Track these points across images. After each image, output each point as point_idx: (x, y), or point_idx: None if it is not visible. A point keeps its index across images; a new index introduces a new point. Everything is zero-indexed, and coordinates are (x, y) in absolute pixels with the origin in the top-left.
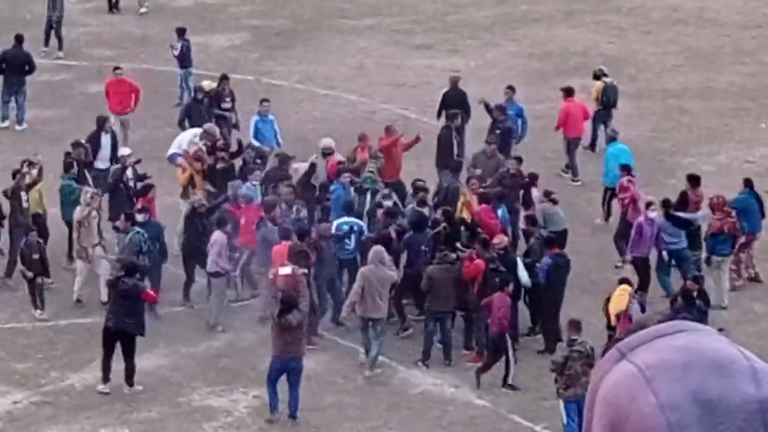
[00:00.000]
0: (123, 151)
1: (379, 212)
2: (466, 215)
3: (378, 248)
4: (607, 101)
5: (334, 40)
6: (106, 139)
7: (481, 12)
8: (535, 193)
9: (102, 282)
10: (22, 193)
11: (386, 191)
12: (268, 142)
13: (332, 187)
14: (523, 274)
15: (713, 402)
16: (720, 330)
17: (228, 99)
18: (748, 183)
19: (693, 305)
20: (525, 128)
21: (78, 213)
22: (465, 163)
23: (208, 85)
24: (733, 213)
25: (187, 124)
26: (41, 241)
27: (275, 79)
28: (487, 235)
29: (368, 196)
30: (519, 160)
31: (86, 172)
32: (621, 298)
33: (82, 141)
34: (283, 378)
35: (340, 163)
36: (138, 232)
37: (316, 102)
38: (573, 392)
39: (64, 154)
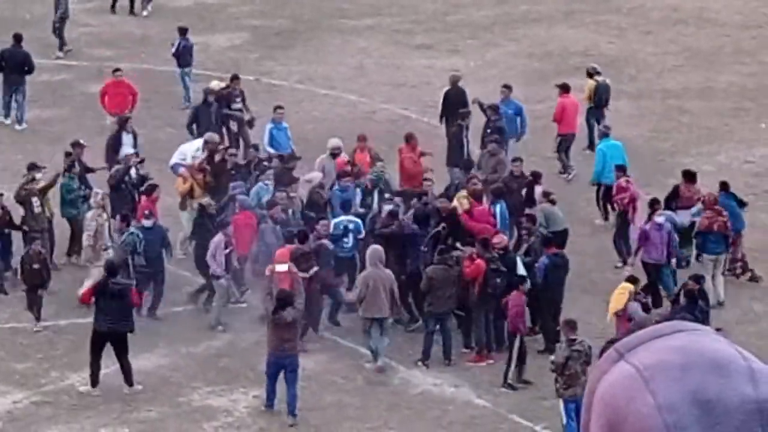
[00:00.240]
0: (125, 151)
1: (383, 211)
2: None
3: (376, 248)
4: (599, 100)
5: (334, 40)
6: (127, 139)
7: (481, 12)
8: (539, 190)
9: None
10: (34, 198)
11: (388, 196)
12: (283, 149)
13: (333, 188)
14: (522, 274)
15: (711, 402)
16: (718, 330)
17: (238, 99)
18: (724, 186)
19: (695, 305)
20: (524, 126)
21: (90, 216)
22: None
23: (217, 85)
24: (724, 212)
25: (194, 127)
26: (43, 251)
27: (275, 79)
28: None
29: (375, 195)
30: (519, 160)
31: (86, 172)
32: (621, 296)
33: (81, 141)
34: (281, 377)
35: (348, 162)
36: (132, 233)
37: (316, 102)
38: (573, 392)
39: (65, 154)
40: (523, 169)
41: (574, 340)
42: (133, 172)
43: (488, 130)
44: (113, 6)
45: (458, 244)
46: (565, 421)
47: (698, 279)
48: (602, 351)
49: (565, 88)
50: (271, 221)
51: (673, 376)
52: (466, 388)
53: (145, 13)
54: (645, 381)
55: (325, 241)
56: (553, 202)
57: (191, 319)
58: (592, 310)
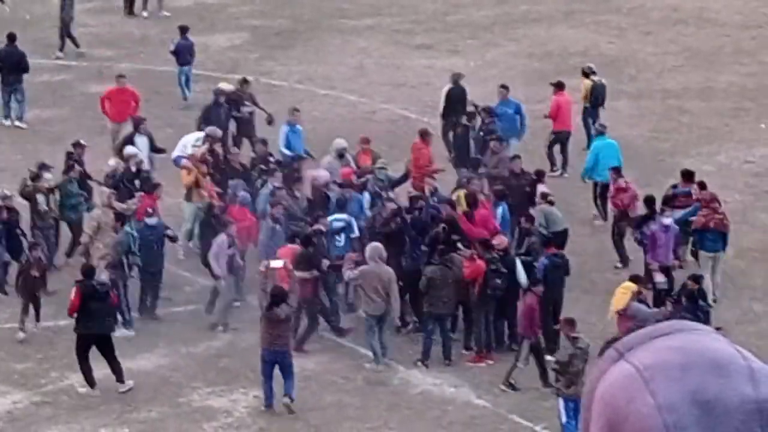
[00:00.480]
0: (131, 150)
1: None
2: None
3: (376, 245)
4: (596, 100)
5: (334, 40)
6: (141, 141)
7: (481, 12)
8: (543, 189)
9: None
10: (39, 196)
11: (391, 194)
12: (298, 151)
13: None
14: (521, 275)
15: (711, 403)
16: (718, 329)
17: (248, 103)
18: (703, 186)
19: (696, 305)
20: (524, 125)
21: (96, 215)
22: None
23: (227, 86)
24: (720, 209)
25: (203, 127)
26: (43, 259)
27: (275, 80)
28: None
29: (383, 194)
30: (518, 158)
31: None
32: (623, 296)
33: (82, 141)
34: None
35: (354, 172)
36: (128, 233)
37: (316, 102)
38: (574, 390)
39: (66, 154)
40: (522, 167)
41: (577, 338)
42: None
43: (481, 132)
44: (130, 8)
45: (459, 246)
46: (564, 419)
47: (698, 279)
48: (602, 350)
49: (559, 86)
50: (271, 220)
51: (673, 376)
52: (466, 389)
53: (163, 13)
54: (645, 381)
55: (321, 226)
56: (551, 203)
57: (191, 319)
58: (593, 310)
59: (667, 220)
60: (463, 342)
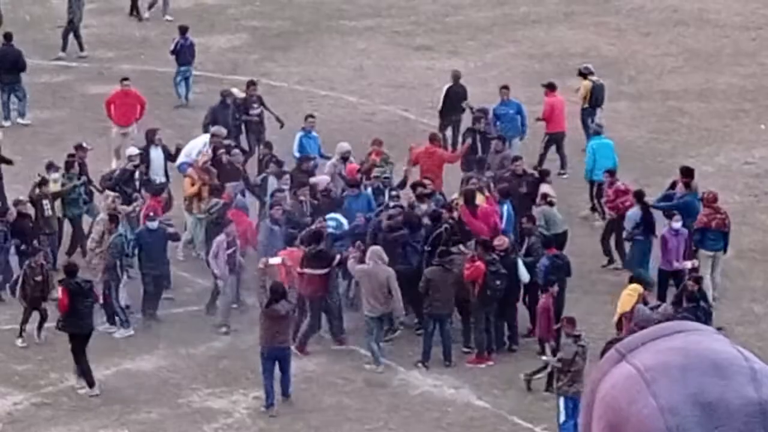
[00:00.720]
0: (131, 151)
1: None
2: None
3: (377, 248)
4: (596, 101)
5: (334, 42)
6: (156, 152)
7: (481, 13)
8: (547, 189)
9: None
10: (45, 201)
11: (395, 193)
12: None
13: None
14: (524, 273)
15: (712, 404)
16: (719, 329)
17: (256, 105)
18: (687, 184)
19: (697, 306)
20: (525, 126)
21: (102, 220)
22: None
23: (238, 92)
24: (723, 209)
25: (211, 128)
26: (46, 264)
27: (275, 81)
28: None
29: (387, 193)
30: (519, 159)
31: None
32: (629, 298)
33: (84, 144)
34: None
35: (359, 170)
36: (120, 235)
37: (315, 103)
38: (576, 389)
39: (67, 156)
40: (524, 168)
41: (578, 336)
42: (136, 174)
43: (467, 134)
44: (132, 8)
45: (461, 247)
46: (562, 419)
47: (698, 279)
48: (603, 351)
49: (551, 87)
50: (269, 221)
51: (674, 377)
52: (466, 390)
53: (166, 17)
54: (647, 383)
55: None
56: (551, 204)
57: (191, 321)
58: (593, 311)
59: (677, 224)
60: (463, 342)
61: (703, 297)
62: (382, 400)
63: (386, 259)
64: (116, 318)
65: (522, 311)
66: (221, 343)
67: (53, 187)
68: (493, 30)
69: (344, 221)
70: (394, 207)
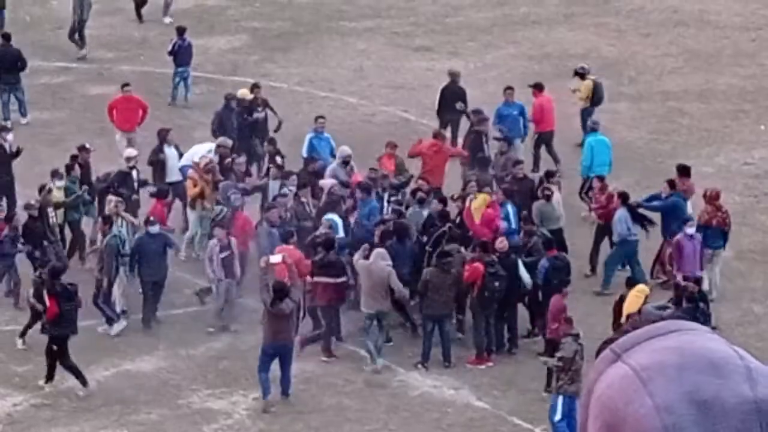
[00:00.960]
0: (130, 152)
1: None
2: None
3: (381, 251)
4: (598, 100)
5: (334, 43)
6: (170, 151)
7: (481, 14)
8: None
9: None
10: (50, 209)
11: (398, 196)
12: (323, 159)
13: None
14: (525, 275)
15: (708, 403)
16: (713, 329)
17: (260, 108)
18: (673, 184)
19: (696, 307)
20: (526, 127)
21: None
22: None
23: (243, 94)
24: (724, 208)
25: (219, 134)
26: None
27: (275, 82)
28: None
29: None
30: (521, 163)
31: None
32: (637, 299)
33: (87, 145)
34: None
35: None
36: (115, 236)
37: (315, 104)
38: (576, 387)
39: (70, 157)
40: (525, 172)
41: (577, 334)
42: (134, 173)
43: (471, 135)
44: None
45: (462, 249)
46: (557, 417)
47: (698, 281)
48: (599, 351)
49: (539, 87)
50: (267, 224)
51: (670, 376)
52: (466, 390)
53: (166, 20)
54: (643, 382)
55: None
56: (548, 198)
57: (191, 321)
58: (593, 311)
59: (691, 230)
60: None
61: (703, 298)
62: (382, 400)
63: (389, 261)
64: (105, 317)
65: (522, 312)
66: (221, 343)
67: (57, 194)
68: (492, 31)
69: (339, 221)
70: (393, 210)
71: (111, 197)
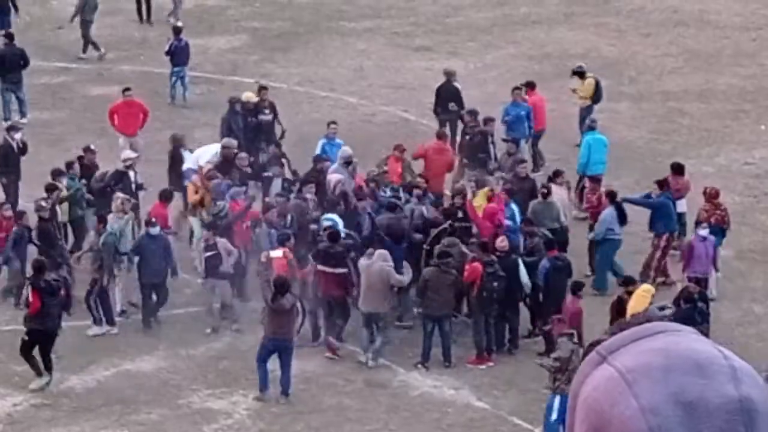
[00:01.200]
0: (129, 154)
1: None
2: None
3: (383, 252)
4: (598, 98)
5: (334, 43)
6: (187, 155)
7: (481, 14)
8: (555, 189)
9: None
10: (58, 208)
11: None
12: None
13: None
14: (524, 277)
15: (693, 403)
16: (702, 331)
17: (267, 111)
18: (662, 184)
19: (695, 307)
20: (531, 128)
21: (114, 222)
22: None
23: (247, 97)
24: (723, 206)
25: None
26: (68, 277)
27: (275, 82)
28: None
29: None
30: (524, 162)
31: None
32: (643, 299)
33: (92, 146)
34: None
35: (366, 181)
36: (111, 234)
37: (315, 104)
38: None
39: (77, 158)
40: (528, 172)
41: (572, 334)
42: (132, 175)
43: (466, 136)
44: (146, 14)
45: (463, 248)
46: (553, 417)
47: (698, 281)
48: (585, 353)
49: (531, 86)
50: (266, 225)
51: (655, 378)
52: (466, 391)
53: (172, 20)
54: (628, 384)
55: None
56: (544, 197)
57: (191, 321)
58: (593, 312)
59: (704, 231)
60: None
61: (704, 299)
62: (382, 400)
63: (391, 262)
64: (91, 316)
65: (522, 312)
66: (221, 343)
67: (64, 193)
68: (492, 31)
69: (339, 221)
70: (388, 204)
71: (118, 194)
